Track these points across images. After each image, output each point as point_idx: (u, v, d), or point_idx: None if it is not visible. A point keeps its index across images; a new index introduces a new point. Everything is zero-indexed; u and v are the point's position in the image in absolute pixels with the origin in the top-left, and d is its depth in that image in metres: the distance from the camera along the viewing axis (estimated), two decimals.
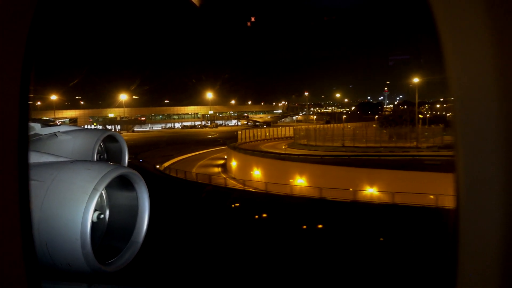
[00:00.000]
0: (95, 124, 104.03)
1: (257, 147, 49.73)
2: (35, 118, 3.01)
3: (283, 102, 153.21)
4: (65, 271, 1.75)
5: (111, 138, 2.97)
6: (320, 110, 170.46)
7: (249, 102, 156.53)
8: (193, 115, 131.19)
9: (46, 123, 2.79)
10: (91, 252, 1.71)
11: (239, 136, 58.60)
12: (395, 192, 25.58)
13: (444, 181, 25.85)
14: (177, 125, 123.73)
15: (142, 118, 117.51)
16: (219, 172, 44.23)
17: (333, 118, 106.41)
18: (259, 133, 64.62)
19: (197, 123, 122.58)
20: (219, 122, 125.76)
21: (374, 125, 68.04)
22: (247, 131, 64.15)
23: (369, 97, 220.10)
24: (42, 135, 2.77)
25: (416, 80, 62.87)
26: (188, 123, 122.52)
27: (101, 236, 2.00)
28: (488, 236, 1.24)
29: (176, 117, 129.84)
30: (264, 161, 38.65)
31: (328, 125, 69.83)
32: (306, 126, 62.75)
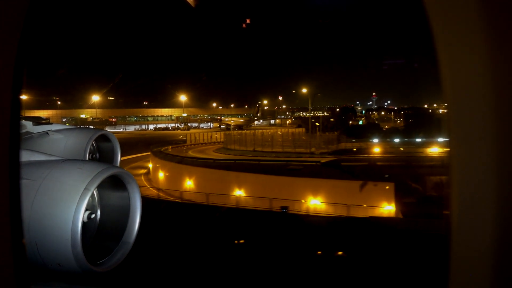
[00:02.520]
0: (67, 124, 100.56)
1: (184, 151, 49.75)
2: (27, 116, 2.93)
3: (259, 105, 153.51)
4: (55, 271, 1.73)
5: (103, 138, 2.93)
6: (303, 114, 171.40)
7: (232, 105, 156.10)
8: (168, 117, 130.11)
9: (38, 121, 2.73)
10: (82, 252, 1.70)
11: (188, 139, 58.73)
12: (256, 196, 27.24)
13: (293, 184, 28.23)
14: (151, 126, 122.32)
15: (113, 120, 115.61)
16: (141, 174, 44.22)
17: (304, 122, 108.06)
18: (212, 136, 64.46)
19: (171, 125, 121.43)
20: (194, 124, 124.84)
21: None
22: (196, 134, 64.33)
23: (357, 102, 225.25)
24: (33, 133, 2.72)
25: (304, 90, 65.22)
26: (163, 125, 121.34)
27: (92, 236, 1.98)
28: (481, 239, 1.26)
29: (150, 118, 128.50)
30: (166, 164, 39.74)
31: (270, 130, 72.28)
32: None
